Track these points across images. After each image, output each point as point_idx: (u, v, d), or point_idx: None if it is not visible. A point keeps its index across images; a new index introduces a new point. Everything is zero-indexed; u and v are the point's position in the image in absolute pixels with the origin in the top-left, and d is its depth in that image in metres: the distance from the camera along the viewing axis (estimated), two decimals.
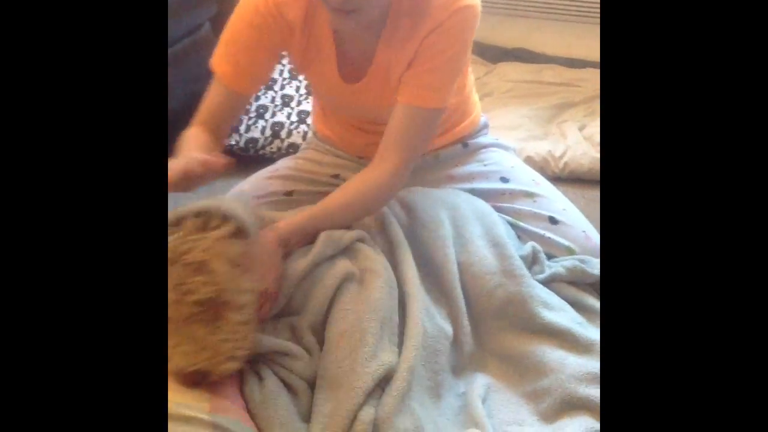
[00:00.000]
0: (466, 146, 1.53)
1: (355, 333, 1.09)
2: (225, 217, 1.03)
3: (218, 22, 2.53)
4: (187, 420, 0.92)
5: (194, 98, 2.42)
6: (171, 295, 0.96)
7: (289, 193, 1.49)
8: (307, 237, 1.22)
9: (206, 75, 2.57)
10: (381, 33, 1.25)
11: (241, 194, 1.49)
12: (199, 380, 0.98)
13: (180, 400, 0.95)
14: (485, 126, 1.59)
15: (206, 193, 2.18)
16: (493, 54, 2.77)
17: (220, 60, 1.28)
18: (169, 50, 2.21)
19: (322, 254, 1.18)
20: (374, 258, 1.21)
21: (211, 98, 1.31)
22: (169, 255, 0.97)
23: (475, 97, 1.56)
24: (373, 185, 1.25)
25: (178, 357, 0.96)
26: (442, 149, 1.50)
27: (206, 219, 1.02)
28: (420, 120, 1.25)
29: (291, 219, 1.21)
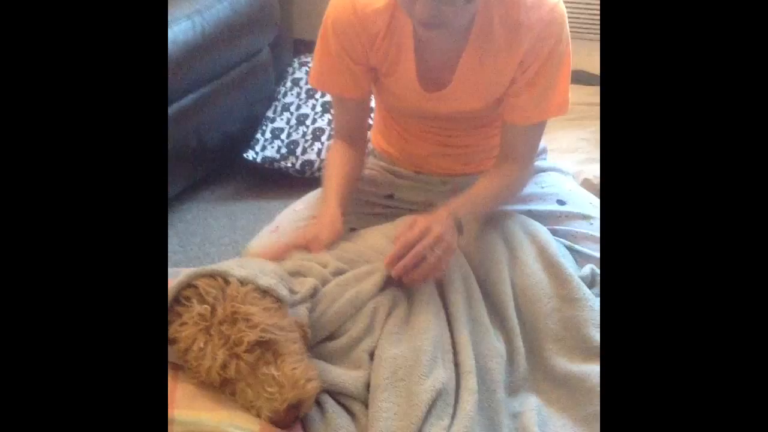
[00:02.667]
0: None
1: (408, 354, 1.10)
2: (243, 282, 1.05)
3: (277, 48, 2.58)
4: None
5: (253, 121, 2.48)
6: (224, 357, 0.99)
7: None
8: (471, 210, 1.29)
9: (264, 99, 2.62)
10: (467, 42, 1.27)
11: (293, 213, 1.51)
12: (294, 416, 1.02)
13: (233, 423, 0.98)
14: (543, 151, 1.58)
15: (265, 212, 2.23)
16: None
17: (318, 77, 1.38)
18: (228, 75, 2.26)
19: (368, 281, 1.19)
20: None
21: (337, 112, 1.44)
22: (200, 323, 1.00)
23: None
24: (514, 179, 1.35)
25: (266, 403, 0.99)
26: None
27: (223, 278, 1.05)
28: (541, 128, 1.34)
29: (454, 201, 1.28)
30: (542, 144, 1.56)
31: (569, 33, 1.26)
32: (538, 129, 1.35)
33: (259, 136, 2.39)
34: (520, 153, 1.35)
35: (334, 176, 1.37)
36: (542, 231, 1.35)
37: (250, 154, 2.33)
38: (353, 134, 1.43)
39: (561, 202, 1.45)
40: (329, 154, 1.43)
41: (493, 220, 1.35)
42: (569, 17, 1.25)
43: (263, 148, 2.35)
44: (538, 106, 1.29)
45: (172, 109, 2.01)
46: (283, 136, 2.38)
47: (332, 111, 1.44)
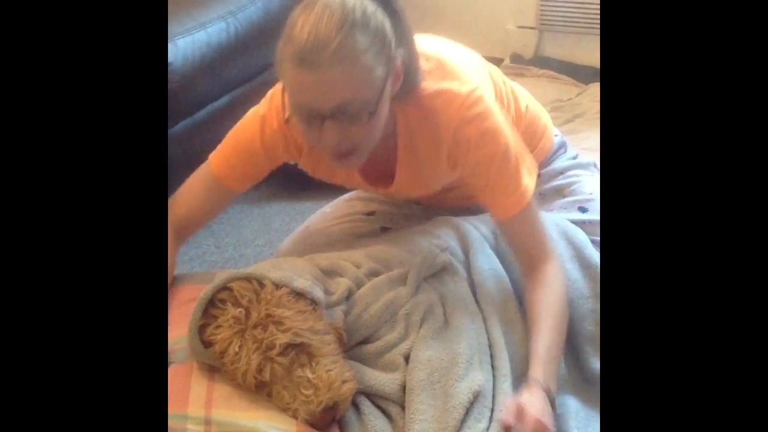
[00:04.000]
0: (538, 177, 1.46)
1: (444, 357, 1.09)
2: (277, 284, 1.05)
3: None
4: None
5: None
6: (259, 360, 1.00)
7: (371, 213, 1.51)
8: (553, 367, 1.12)
9: None
10: (397, 149, 1.22)
11: (322, 215, 1.52)
12: (331, 418, 1.02)
13: (270, 424, 0.98)
14: (561, 147, 1.53)
15: (298, 213, 2.24)
16: (585, 74, 2.72)
17: (221, 161, 1.29)
18: (261, 76, 2.26)
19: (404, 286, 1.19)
20: (456, 283, 1.22)
21: (199, 190, 1.31)
22: (235, 327, 1.01)
23: (542, 121, 1.48)
24: (550, 281, 1.17)
25: (302, 406, 1.00)
26: None
27: (258, 281, 1.05)
28: (525, 218, 1.19)
29: (534, 368, 1.10)
30: (557, 140, 1.51)
31: (493, 113, 1.16)
32: (524, 220, 1.19)
33: None
34: (533, 247, 1.20)
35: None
36: (578, 231, 1.33)
37: None
38: (192, 214, 1.32)
39: (583, 210, 1.42)
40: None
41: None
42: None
43: None
44: (499, 200, 1.18)
45: (206, 111, 2.03)
46: None
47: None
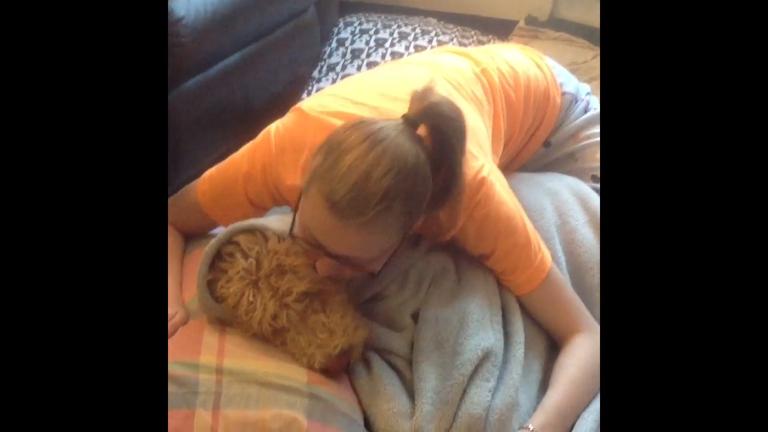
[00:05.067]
0: (548, 145, 1.45)
1: (453, 316, 1.09)
2: (280, 236, 1.05)
3: (322, 7, 2.56)
4: (287, 390, 0.98)
5: (298, 82, 2.47)
6: (275, 308, 1.01)
7: None
8: (559, 423, 1.07)
9: (310, 59, 2.61)
10: None
11: None
12: (345, 363, 1.04)
13: (282, 374, 1.00)
14: (573, 98, 1.45)
15: None
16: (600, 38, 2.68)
17: (207, 196, 1.21)
18: (274, 34, 2.25)
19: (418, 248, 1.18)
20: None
21: (188, 215, 1.24)
22: (247, 278, 1.02)
23: (547, 88, 1.41)
24: (577, 353, 1.12)
25: (318, 350, 1.02)
26: (526, 163, 1.45)
27: (262, 233, 1.06)
28: (549, 289, 1.14)
29: (534, 416, 1.05)
30: (570, 92, 1.44)
31: (495, 198, 1.10)
32: (547, 291, 1.14)
33: (304, 96, 2.37)
34: (559, 322, 1.16)
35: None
36: (594, 196, 1.31)
37: None
38: (187, 232, 1.28)
39: (596, 179, 1.40)
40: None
41: (541, 185, 1.31)
42: None
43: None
44: (518, 277, 1.14)
45: (218, 68, 2.01)
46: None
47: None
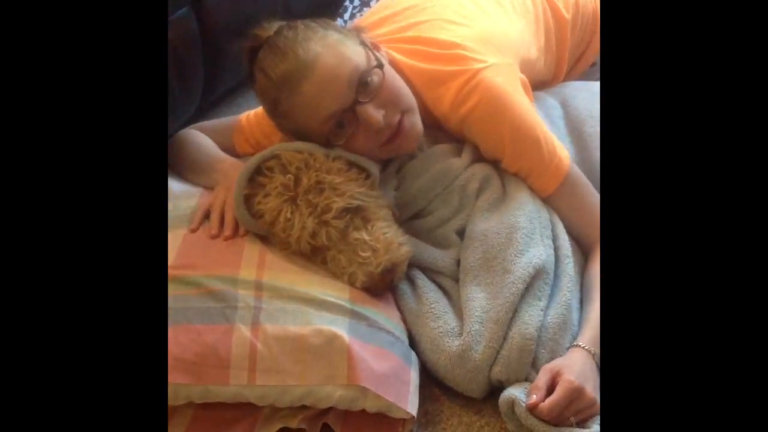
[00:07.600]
0: (595, 65, 1.43)
1: (501, 231, 1.05)
2: (327, 156, 1.02)
3: None
4: (328, 306, 0.96)
5: None
6: (313, 225, 0.98)
7: None
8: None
9: None
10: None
11: None
12: (389, 280, 1.02)
13: (323, 290, 0.98)
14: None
15: None
16: None
17: (244, 138, 1.25)
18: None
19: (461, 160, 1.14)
20: None
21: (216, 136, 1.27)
22: (285, 194, 0.99)
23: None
24: None
25: (360, 268, 0.99)
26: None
27: (309, 153, 1.02)
28: (570, 191, 1.11)
29: (582, 333, 1.00)
30: None
31: (494, 93, 1.09)
32: (571, 193, 1.11)
33: (347, 3, 2.31)
34: (585, 226, 1.11)
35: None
36: None
37: (338, 23, 2.26)
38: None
39: None
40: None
41: (596, 93, 1.25)
42: None
43: (352, 16, 2.28)
44: (536, 179, 1.11)
45: None
46: (372, 3, 2.30)
47: None
